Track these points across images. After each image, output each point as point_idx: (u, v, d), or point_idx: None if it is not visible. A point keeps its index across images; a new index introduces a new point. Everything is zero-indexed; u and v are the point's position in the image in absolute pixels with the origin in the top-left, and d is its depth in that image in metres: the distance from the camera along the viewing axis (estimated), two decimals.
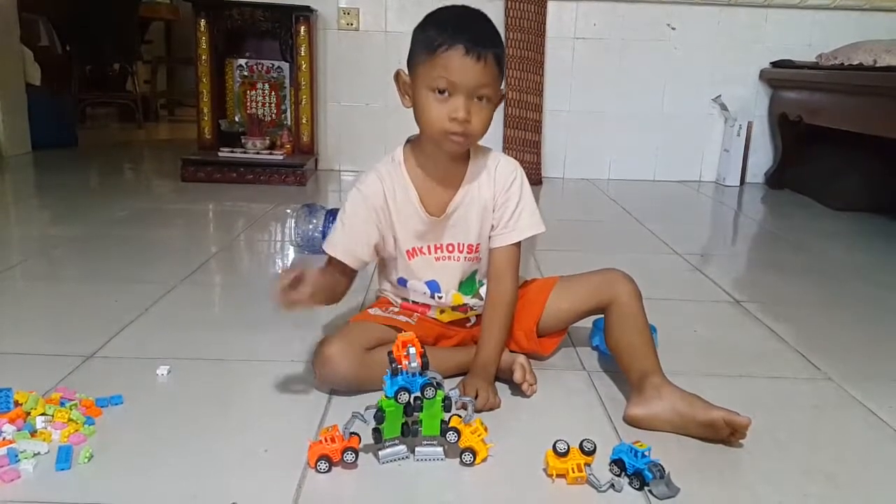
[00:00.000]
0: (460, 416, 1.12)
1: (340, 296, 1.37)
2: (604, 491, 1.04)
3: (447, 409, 1.11)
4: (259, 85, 3.56)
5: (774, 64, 3.54)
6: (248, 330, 1.64)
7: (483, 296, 1.42)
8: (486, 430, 1.11)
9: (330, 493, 1.03)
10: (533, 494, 1.04)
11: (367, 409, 1.09)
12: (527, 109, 3.65)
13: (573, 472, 1.05)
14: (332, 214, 2.22)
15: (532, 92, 3.65)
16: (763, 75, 3.60)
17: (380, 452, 1.10)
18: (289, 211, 2.23)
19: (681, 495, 1.03)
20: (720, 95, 3.60)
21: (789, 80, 3.44)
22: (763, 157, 3.73)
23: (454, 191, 1.34)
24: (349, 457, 1.07)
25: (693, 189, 3.69)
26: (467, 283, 1.42)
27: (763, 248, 2.81)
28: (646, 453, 1.06)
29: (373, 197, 1.33)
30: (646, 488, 1.04)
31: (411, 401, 1.08)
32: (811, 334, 1.71)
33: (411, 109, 1.28)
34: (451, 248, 1.38)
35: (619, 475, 1.07)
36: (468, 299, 1.42)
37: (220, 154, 3.42)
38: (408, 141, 1.37)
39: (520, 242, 1.37)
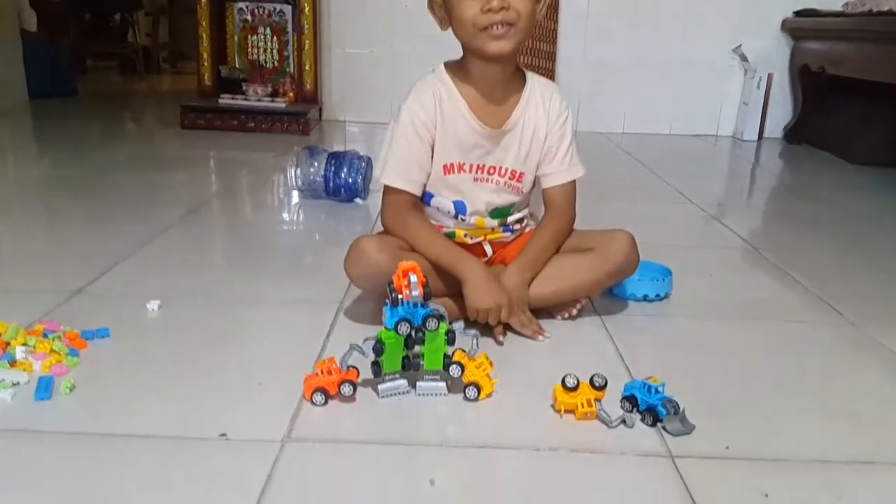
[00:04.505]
0: (464, 351, 1.06)
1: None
2: (614, 426, 0.98)
3: (450, 342, 1.04)
4: (260, 30, 3.45)
5: (798, 13, 3.39)
6: (245, 271, 1.58)
7: (509, 224, 1.37)
8: (491, 364, 1.05)
9: (325, 427, 0.97)
10: (539, 430, 0.98)
11: (365, 340, 1.02)
12: (539, 58, 3.53)
13: (582, 406, 0.98)
14: (334, 158, 2.14)
15: (545, 39, 3.52)
16: (785, 25, 3.46)
17: (379, 386, 1.04)
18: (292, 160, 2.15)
19: (695, 432, 0.97)
20: (740, 45, 3.47)
21: (813, 29, 3.30)
22: (782, 111, 3.61)
23: (509, 109, 1.29)
24: (346, 389, 1.01)
25: (710, 143, 3.58)
26: (500, 211, 1.35)
27: (781, 200, 2.71)
28: (659, 389, 1.00)
29: (423, 109, 1.26)
30: (659, 424, 0.98)
31: (412, 333, 1.02)
32: (830, 280, 1.62)
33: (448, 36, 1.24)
34: (492, 171, 1.31)
35: (630, 412, 1.00)
36: (490, 222, 1.35)
37: (220, 101, 3.33)
38: (445, 66, 1.30)
39: (575, 181, 1.34)
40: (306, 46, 3.37)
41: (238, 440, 0.93)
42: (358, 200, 2.16)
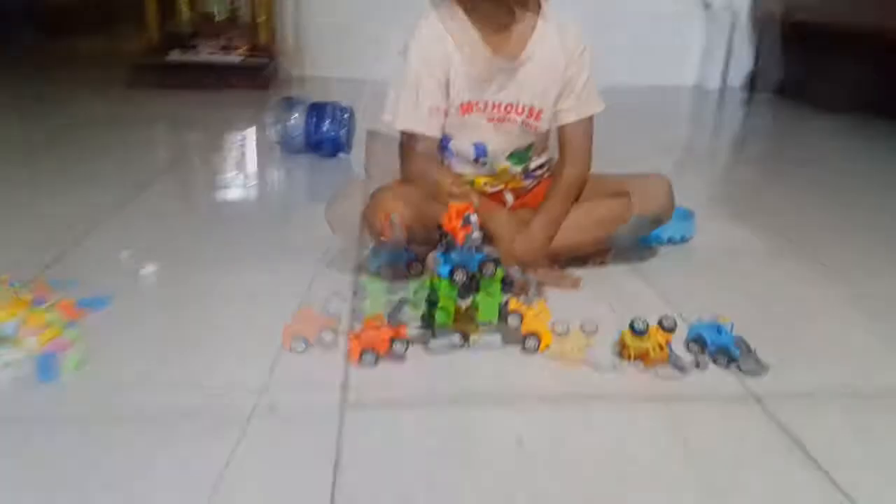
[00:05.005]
0: (518, 300, 0.98)
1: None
2: (687, 370, 0.93)
3: (507, 289, 0.96)
4: None
5: None
6: (228, 234, 1.45)
7: (532, 169, 1.29)
8: (549, 313, 0.98)
9: (381, 389, 0.88)
10: (610, 379, 0.92)
11: (415, 292, 0.93)
12: None
13: (654, 351, 0.93)
14: (314, 110, 2.00)
15: None
16: None
17: (430, 342, 0.95)
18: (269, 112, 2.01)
19: (770, 374, 0.92)
20: None
21: None
22: (745, 60, 3.60)
23: (524, 39, 1.19)
24: (399, 347, 0.92)
25: (670, 93, 3.56)
26: (519, 154, 1.26)
27: (751, 151, 2.72)
28: (730, 329, 0.95)
29: (434, 43, 1.16)
30: (732, 365, 0.93)
31: (468, 281, 0.93)
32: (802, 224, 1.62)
33: None
34: (508, 109, 1.21)
35: (700, 354, 0.95)
36: (514, 168, 1.27)
37: (168, 58, 3.10)
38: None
39: (593, 117, 1.25)
40: None
41: (289, 414, 0.83)
42: (341, 155, 2.03)
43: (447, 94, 1.18)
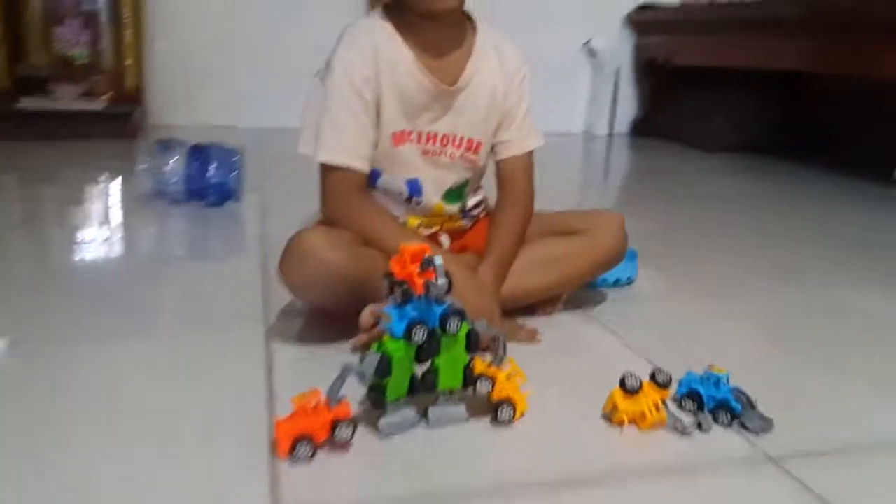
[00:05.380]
0: (482, 360, 0.81)
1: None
2: (689, 433, 0.78)
3: (472, 348, 0.78)
4: (67, 19, 2.89)
5: (641, 7, 3.50)
6: (98, 300, 1.19)
7: (469, 208, 1.14)
8: (523, 375, 0.81)
9: (322, 491, 0.67)
10: (608, 452, 0.76)
11: (363, 358, 0.73)
12: None
13: (650, 413, 0.78)
14: (198, 152, 1.76)
15: None
16: (630, 19, 3.55)
17: (381, 421, 0.75)
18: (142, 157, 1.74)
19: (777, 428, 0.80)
20: (590, 40, 3.51)
21: (656, 21, 3.42)
22: (631, 106, 3.70)
23: (461, 63, 1.05)
24: (343, 432, 0.72)
25: (563, 140, 3.58)
26: (455, 192, 1.11)
27: (641, 183, 2.74)
28: (727, 380, 0.82)
29: (362, 60, 1.00)
30: (734, 422, 0.80)
31: (426, 340, 0.75)
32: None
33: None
34: (445, 141, 1.06)
35: (695, 411, 0.81)
36: (450, 207, 1.11)
37: (19, 105, 2.73)
38: (384, 9, 1.04)
39: (533, 152, 1.12)
40: (127, 37, 2.87)
41: None
42: (230, 203, 1.79)
43: (377, 122, 1.01)
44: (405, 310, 0.74)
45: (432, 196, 1.08)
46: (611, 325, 1.11)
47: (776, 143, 3.06)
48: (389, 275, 0.76)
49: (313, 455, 0.71)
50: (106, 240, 1.53)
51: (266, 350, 0.96)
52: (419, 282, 0.73)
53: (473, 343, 0.78)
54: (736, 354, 1.01)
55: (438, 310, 0.75)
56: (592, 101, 3.65)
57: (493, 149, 1.11)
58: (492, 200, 1.14)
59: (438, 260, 0.72)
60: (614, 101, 3.60)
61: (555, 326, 1.08)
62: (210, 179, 1.76)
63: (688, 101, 3.39)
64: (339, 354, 0.94)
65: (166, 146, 1.78)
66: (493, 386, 0.78)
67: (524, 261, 1.07)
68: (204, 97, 3.16)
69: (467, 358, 0.78)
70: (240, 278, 1.27)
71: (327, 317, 1.03)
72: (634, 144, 3.51)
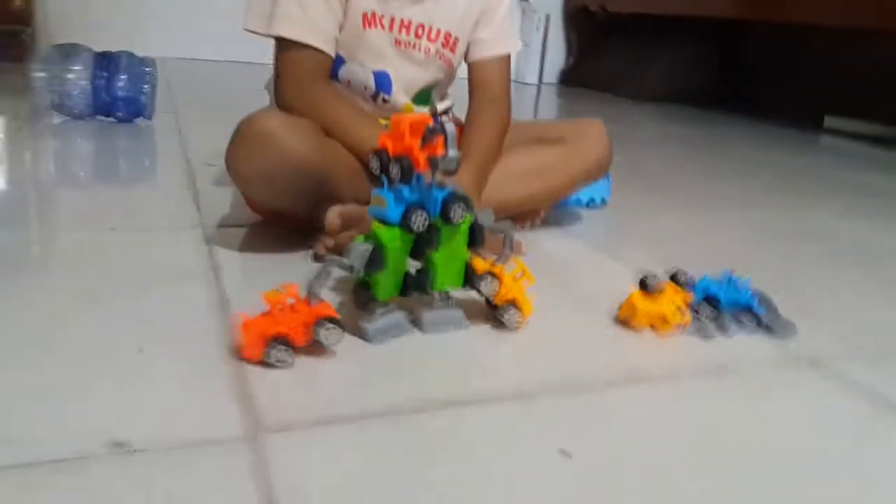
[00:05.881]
0: (484, 259, 0.69)
1: None
2: (712, 337, 0.70)
3: (474, 243, 0.67)
4: None
5: None
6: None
7: (438, 114, 0.99)
8: (531, 276, 0.70)
9: (308, 404, 0.54)
10: (625, 355, 0.67)
11: (350, 251, 0.60)
12: None
13: (674, 316, 0.69)
14: (105, 61, 1.53)
15: None
16: None
17: (369, 325, 0.63)
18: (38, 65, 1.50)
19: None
20: None
21: None
22: (559, 55, 3.63)
23: None
24: (330, 334, 0.59)
25: None
26: (424, 95, 0.98)
27: None
28: (748, 282, 0.74)
29: None
30: (758, 327, 0.73)
31: (426, 230, 0.62)
32: None
33: None
34: (419, 33, 0.92)
35: (715, 318, 0.73)
36: (419, 110, 0.96)
37: None
38: None
39: (510, 57, 1.00)
40: None
41: (184, 456, 0.47)
42: (141, 120, 1.58)
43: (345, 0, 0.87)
44: (402, 192, 0.62)
45: (401, 95, 0.95)
46: (595, 241, 1.02)
47: (709, 93, 3.07)
48: (380, 151, 0.62)
49: (291, 361, 0.58)
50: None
51: (210, 258, 0.81)
52: (422, 157, 0.60)
53: (478, 237, 0.66)
54: (732, 264, 0.95)
55: (440, 195, 0.63)
56: (522, 49, 3.55)
57: (467, 49, 0.99)
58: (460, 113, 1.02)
59: (450, 127, 0.60)
60: (543, 49, 3.52)
61: (537, 241, 0.98)
62: (118, 92, 1.53)
63: (620, 50, 3.35)
64: (295, 263, 0.81)
65: (67, 52, 1.53)
66: (499, 286, 0.67)
67: (503, 171, 0.96)
68: (105, 21, 2.83)
69: (468, 255, 0.67)
70: (168, 196, 1.10)
71: (271, 230, 0.89)
72: (564, 93, 3.46)
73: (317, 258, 0.81)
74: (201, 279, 0.75)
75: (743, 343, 0.70)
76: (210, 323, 0.65)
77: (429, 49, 0.95)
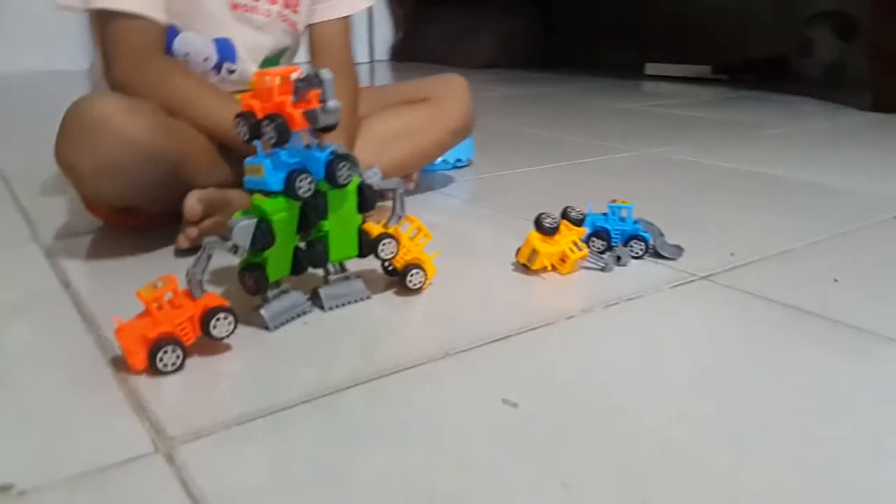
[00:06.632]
0: (372, 222, 0.65)
1: None
2: (610, 269, 0.71)
3: (366, 206, 0.62)
4: None
5: None
6: None
7: None
8: (428, 233, 0.66)
9: (201, 408, 0.48)
10: (537, 298, 0.65)
11: (232, 229, 0.53)
12: None
13: (571, 252, 0.69)
14: None
15: None
16: None
17: (263, 311, 0.56)
18: None
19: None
20: None
21: None
22: (387, 30, 3.59)
23: None
24: (223, 326, 0.52)
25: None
26: (271, 63, 0.90)
27: None
28: (633, 210, 0.75)
29: None
30: (648, 252, 0.74)
31: (313, 195, 0.57)
32: None
33: None
34: None
35: (604, 251, 0.74)
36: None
37: None
38: None
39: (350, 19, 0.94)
40: None
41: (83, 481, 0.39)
42: None
43: None
44: (280, 156, 0.55)
45: (248, 63, 0.87)
46: (475, 197, 1.00)
47: (537, 56, 3.18)
48: (246, 113, 0.56)
49: (182, 363, 0.50)
50: None
51: (54, 269, 0.70)
52: (297, 113, 0.54)
53: (368, 199, 0.61)
54: (606, 197, 0.97)
55: (321, 155, 0.57)
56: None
57: (310, 12, 0.93)
58: None
59: (327, 74, 0.54)
60: (371, 25, 3.48)
61: (415, 205, 0.94)
62: None
63: (446, 22, 3.37)
64: (155, 262, 0.72)
65: None
66: (398, 248, 0.62)
67: (374, 136, 0.91)
68: None
69: (360, 219, 0.62)
70: None
71: (120, 233, 0.79)
72: (396, 68, 3.43)
73: (180, 252, 0.73)
74: (54, 296, 0.64)
75: (639, 269, 0.72)
76: (77, 340, 0.55)
77: (270, 11, 0.87)
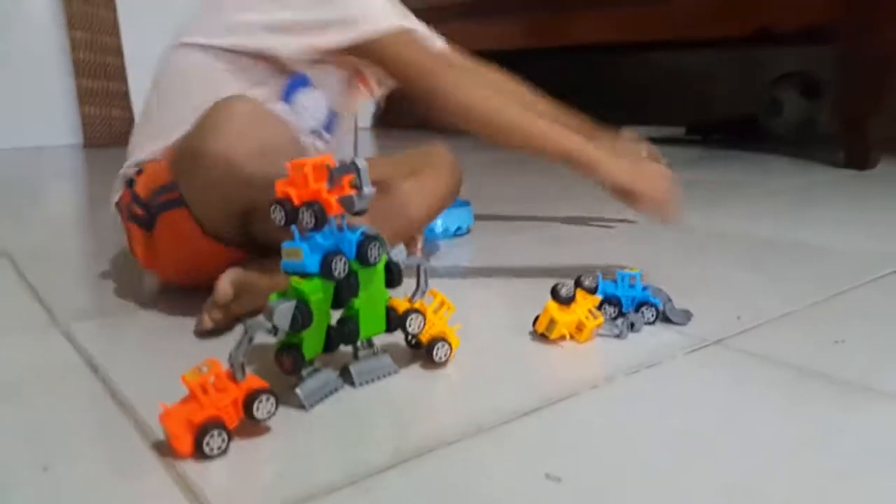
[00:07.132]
0: (396, 297, 0.67)
1: None
2: (625, 336, 0.73)
3: (393, 282, 0.64)
4: None
5: None
6: None
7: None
8: (450, 305, 0.68)
9: (248, 491, 0.49)
10: (557, 369, 0.67)
11: (272, 311, 0.55)
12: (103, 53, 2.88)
13: (588, 320, 0.71)
14: None
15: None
16: None
17: (299, 390, 0.58)
18: None
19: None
20: None
21: None
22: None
23: None
24: (265, 407, 0.53)
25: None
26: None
27: None
28: (641, 277, 0.79)
29: None
30: (657, 319, 0.77)
31: (345, 274, 0.59)
32: None
33: None
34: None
35: (617, 316, 0.77)
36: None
37: None
38: None
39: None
40: None
41: None
42: None
43: None
44: (314, 240, 0.58)
45: (335, 140, 0.91)
46: (478, 265, 1.03)
47: None
48: (282, 201, 0.58)
49: (227, 445, 0.51)
50: None
51: (80, 354, 0.71)
52: (332, 199, 0.57)
53: (397, 276, 0.64)
54: (595, 263, 1.00)
55: (353, 236, 0.60)
56: None
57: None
58: None
59: (361, 162, 0.57)
60: None
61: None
62: None
63: None
64: (179, 341, 0.73)
65: None
66: (424, 323, 0.65)
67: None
68: None
69: (388, 295, 0.64)
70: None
71: (141, 317, 0.81)
72: (381, 135, 3.51)
73: (199, 333, 0.74)
74: (83, 382, 0.65)
75: (651, 335, 0.74)
76: (115, 426, 0.56)
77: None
